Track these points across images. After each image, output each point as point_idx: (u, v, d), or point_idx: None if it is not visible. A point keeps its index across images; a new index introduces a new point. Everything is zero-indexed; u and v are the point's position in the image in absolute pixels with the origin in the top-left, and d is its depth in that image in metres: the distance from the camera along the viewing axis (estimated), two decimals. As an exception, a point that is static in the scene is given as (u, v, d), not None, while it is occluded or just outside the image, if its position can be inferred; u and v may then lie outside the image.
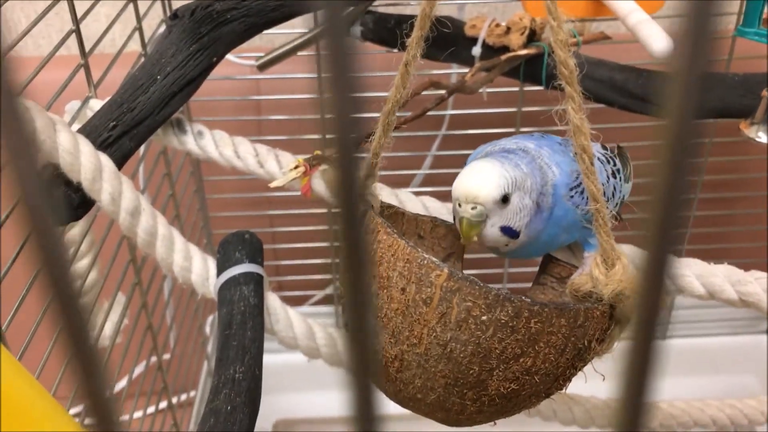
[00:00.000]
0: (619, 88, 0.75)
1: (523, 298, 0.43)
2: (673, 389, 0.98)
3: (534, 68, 0.76)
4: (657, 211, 0.16)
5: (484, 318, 0.43)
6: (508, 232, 0.49)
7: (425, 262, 0.44)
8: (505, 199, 0.48)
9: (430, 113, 0.69)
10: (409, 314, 0.44)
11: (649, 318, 0.17)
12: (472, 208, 0.48)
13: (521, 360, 0.44)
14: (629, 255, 0.50)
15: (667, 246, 0.16)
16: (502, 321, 0.43)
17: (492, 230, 0.49)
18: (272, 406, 0.94)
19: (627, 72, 0.75)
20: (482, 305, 0.43)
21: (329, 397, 0.97)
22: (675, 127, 0.15)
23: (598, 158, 0.53)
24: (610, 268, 0.47)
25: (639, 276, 0.17)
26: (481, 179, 0.48)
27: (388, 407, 0.49)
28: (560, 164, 0.51)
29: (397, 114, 0.51)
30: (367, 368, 0.17)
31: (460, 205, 0.49)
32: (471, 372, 0.44)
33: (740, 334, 1.02)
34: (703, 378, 1.01)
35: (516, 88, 0.84)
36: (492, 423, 0.49)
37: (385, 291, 0.45)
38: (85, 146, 0.55)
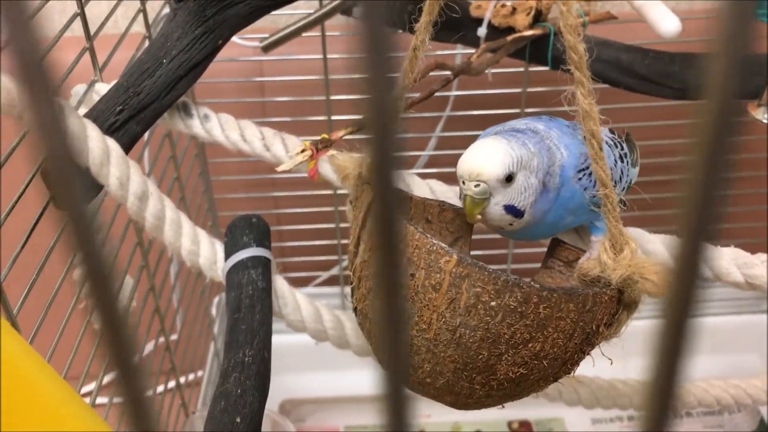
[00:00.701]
0: (625, 68, 0.75)
1: (532, 283, 0.44)
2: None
3: (540, 49, 0.75)
4: (696, 192, 0.16)
5: (493, 303, 0.43)
6: (513, 211, 0.49)
7: (434, 248, 0.44)
8: (509, 178, 0.48)
9: (434, 94, 0.69)
10: (418, 300, 0.45)
11: (685, 303, 0.17)
12: (476, 186, 0.48)
13: (530, 345, 0.44)
14: (637, 239, 0.50)
15: (706, 226, 0.16)
16: (511, 306, 0.43)
17: (496, 208, 0.49)
18: (279, 387, 0.95)
19: (633, 52, 0.74)
20: (491, 291, 0.43)
21: (336, 377, 0.97)
22: (716, 107, 0.15)
23: (606, 142, 0.53)
24: (618, 253, 0.47)
25: (675, 257, 0.16)
26: (486, 157, 0.48)
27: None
28: (569, 146, 0.51)
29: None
30: (401, 373, 0.17)
31: (464, 183, 0.49)
32: (480, 357, 0.45)
33: (743, 314, 1.03)
34: (705, 358, 1.01)
35: (521, 69, 0.84)
36: (500, 406, 0.50)
37: (394, 276, 0.45)
38: (93, 131, 0.55)
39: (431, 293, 0.44)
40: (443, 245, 0.44)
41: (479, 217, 0.49)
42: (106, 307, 0.17)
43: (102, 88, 0.64)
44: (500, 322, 0.44)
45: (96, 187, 0.57)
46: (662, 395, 0.18)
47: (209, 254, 0.60)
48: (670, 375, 0.18)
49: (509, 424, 0.98)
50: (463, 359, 0.45)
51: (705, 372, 0.97)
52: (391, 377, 0.17)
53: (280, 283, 0.62)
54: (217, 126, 0.65)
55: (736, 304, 1.03)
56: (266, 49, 0.78)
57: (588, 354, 0.49)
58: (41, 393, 0.36)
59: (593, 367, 0.51)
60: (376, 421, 0.99)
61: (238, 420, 0.49)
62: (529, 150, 0.49)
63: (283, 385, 0.97)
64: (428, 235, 0.45)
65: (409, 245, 0.45)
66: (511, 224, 0.50)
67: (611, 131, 0.56)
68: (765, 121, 0.63)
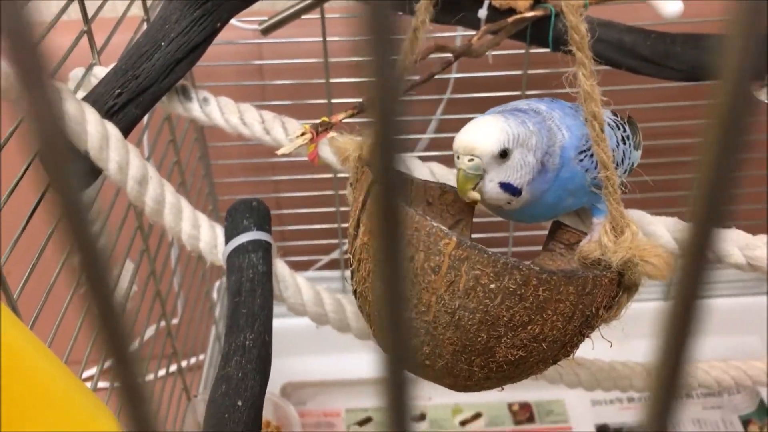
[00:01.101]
0: (627, 49, 0.74)
1: (532, 266, 0.44)
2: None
3: (541, 30, 0.75)
4: (708, 174, 0.16)
5: (492, 286, 0.43)
6: (509, 188, 0.49)
7: (433, 230, 0.44)
8: (504, 154, 0.48)
9: (434, 77, 0.69)
10: (417, 282, 0.45)
11: (695, 284, 0.17)
12: (469, 161, 0.48)
13: (529, 327, 0.44)
14: (638, 221, 0.50)
15: (718, 208, 0.16)
16: (511, 289, 0.43)
17: (491, 185, 0.49)
18: (280, 370, 0.95)
19: (635, 33, 0.74)
20: (491, 273, 0.43)
21: (337, 360, 0.98)
22: (731, 88, 0.15)
23: (608, 124, 0.53)
24: (619, 236, 0.47)
25: (686, 238, 0.16)
26: (481, 132, 0.48)
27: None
28: (571, 127, 0.51)
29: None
30: (402, 355, 0.17)
31: (458, 158, 0.49)
32: (479, 339, 0.45)
33: (743, 296, 1.03)
34: (706, 339, 1.01)
35: (521, 51, 0.83)
36: (500, 388, 0.50)
37: (394, 259, 0.45)
38: (92, 115, 0.55)
39: (430, 276, 0.44)
40: (442, 228, 0.44)
41: (475, 195, 0.49)
42: (100, 297, 0.17)
43: (100, 72, 0.63)
44: (499, 304, 0.44)
45: (95, 172, 0.57)
46: (669, 377, 0.18)
47: (209, 238, 0.60)
48: (678, 357, 0.18)
49: (509, 406, 0.99)
50: (462, 342, 0.45)
51: (705, 353, 0.97)
52: (392, 360, 0.17)
53: (280, 266, 0.62)
54: (216, 109, 0.64)
55: (737, 286, 1.03)
56: (265, 31, 0.77)
57: (587, 336, 0.49)
58: (43, 379, 0.36)
59: (593, 350, 0.51)
60: (377, 403, 0.99)
61: (240, 403, 0.50)
62: (528, 129, 0.49)
63: (284, 368, 0.97)
64: (427, 218, 0.44)
65: (409, 228, 0.45)
66: (509, 203, 0.50)
67: (614, 113, 0.56)
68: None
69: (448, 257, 0.44)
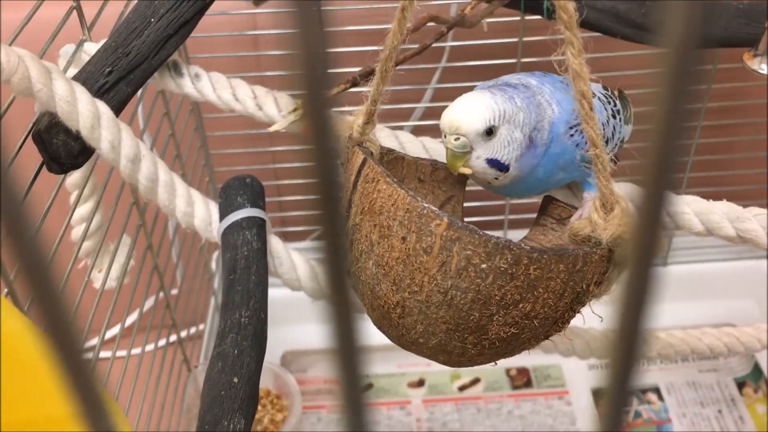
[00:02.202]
0: (621, 17, 0.73)
1: (522, 245, 0.44)
2: (674, 316, 0.99)
3: (535, -1, 0.74)
4: (656, 139, 0.16)
5: (483, 266, 0.44)
6: (496, 164, 0.49)
7: (425, 211, 0.44)
8: (490, 131, 0.48)
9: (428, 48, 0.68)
10: (410, 263, 0.45)
11: (647, 249, 0.17)
12: (456, 139, 0.49)
13: (520, 305, 0.45)
14: (627, 194, 0.50)
15: (667, 174, 0.16)
16: (502, 268, 0.44)
17: (478, 162, 0.49)
18: (280, 339, 0.96)
19: (630, 1, 0.73)
20: (482, 253, 0.43)
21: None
22: (676, 55, 0.15)
23: (599, 98, 0.53)
24: (608, 212, 0.47)
25: (638, 207, 0.17)
26: (465, 110, 0.49)
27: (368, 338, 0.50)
28: (561, 102, 0.51)
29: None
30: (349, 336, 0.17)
31: (445, 136, 0.49)
32: (471, 318, 0.45)
33: (741, 259, 1.03)
34: (703, 303, 1.02)
35: (517, 18, 0.83)
36: (493, 363, 0.51)
37: (386, 240, 0.46)
38: (82, 94, 0.55)
39: (423, 256, 0.44)
40: (434, 209, 0.44)
41: (466, 170, 0.49)
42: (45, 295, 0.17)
43: (91, 48, 0.63)
44: (491, 283, 0.44)
45: (88, 151, 0.57)
46: (628, 343, 0.18)
47: (204, 215, 0.61)
48: (635, 324, 0.18)
49: (507, 371, 1.00)
50: (455, 320, 0.46)
51: (703, 318, 0.98)
52: (339, 326, 0.17)
53: (275, 242, 0.62)
54: (208, 85, 0.64)
55: (733, 250, 1.03)
56: (257, 2, 0.77)
57: (578, 312, 0.49)
58: (41, 366, 0.37)
59: (584, 324, 0.52)
60: (376, 370, 1.00)
61: (236, 380, 0.50)
62: (515, 104, 0.49)
63: (284, 337, 0.98)
64: (419, 199, 0.45)
65: (401, 209, 0.45)
66: (496, 178, 0.50)
67: (604, 87, 0.55)
68: (760, 71, 0.62)
69: (440, 238, 0.44)
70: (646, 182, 0.16)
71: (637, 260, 0.17)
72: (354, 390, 0.18)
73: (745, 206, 0.56)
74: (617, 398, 0.18)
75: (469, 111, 0.48)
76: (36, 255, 0.16)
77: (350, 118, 0.51)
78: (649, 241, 0.17)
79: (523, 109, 0.49)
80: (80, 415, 0.18)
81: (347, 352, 0.18)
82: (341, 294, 0.17)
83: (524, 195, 0.56)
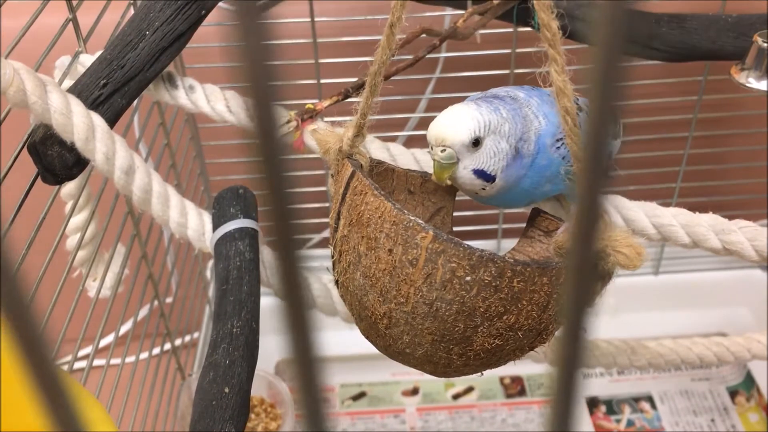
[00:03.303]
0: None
1: (506, 258, 0.44)
2: (666, 325, 1.00)
3: (526, 11, 0.75)
4: (586, 140, 0.16)
5: (468, 278, 0.44)
6: (483, 175, 0.50)
7: (411, 224, 0.45)
8: (476, 143, 0.49)
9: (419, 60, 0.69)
10: (396, 274, 0.46)
11: (584, 253, 0.17)
12: (442, 151, 0.50)
13: (505, 317, 0.46)
14: (616, 206, 0.51)
15: (598, 177, 0.17)
16: (486, 281, 0.44)
17: (464, 173, 0.50)
18: (274, 347, 0.97)
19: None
20: (466, 266, 0.44)
21: (330, 337, 0.98)
22: (602, 59, 0.15)
23: (585, 112, 0.53)
24: (593, 226, 0.48)
25: (575, 212, 0.17)
26: (451, 122, 0.50)
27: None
28: (548, 115, 0.52)
29: (391, 59, 0.51)
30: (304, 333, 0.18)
31: (432, 148, 0.50)
32: (456, 329, 0.46)
33: (732, 269, 1.04)
34: (695, 312, 1.03)
35: (510, 29, 0.83)
36: (479, 374, 0.51)
37: (373, 252, 0.46)
38: (77, 106, 0.56)
39: (408, 268, 0.45)
40: (419, 221, 0.45)
41: (449, 182, 0.51)
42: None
43: (87, 60, 0.64)
44: (475, 296, 0.45)
45: (82, 162, 0.58)
46: (569, 344, 0.19)
47: (197, 226, 0.61)
48: (573, 325, 0.18)
49: (501, 379, 1.00)
50: (440, 331, 0.46)
51: (696, 327, 0.99)
52: (295, 340, 0.18)
53: (267, 253, 0.63)
54: (202, 97, 0.65)
55: (725, 259, 1.04)
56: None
57: (563, 324, 0.50)
58: (16, 386, 0.37)
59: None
60: (370, 378, 1.01)
61: (227, 390, 0.51)
62: (501, 115, 0.50)
63: (278, 346, 0.98)
64: (405, 211, 0.45)
65: (387, 221, 0.46)
66: (483, 188, 0.51)
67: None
68: (748, 85, 0.63)
69: (425, 250, 0.44)
70: (581, 184, 0.17)
71: (575, 263, 0.18)
72: (313, 399, 0.18)
73: (735, 217, 0.56)
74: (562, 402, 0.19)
75: (455, 123, 0.49)
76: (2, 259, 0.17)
77: (340, 131, 0.52)
78: (586, 243, 0.17)
79: (509, 119, 0.50)
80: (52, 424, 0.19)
81: (304, 360, 0.18)
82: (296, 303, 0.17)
83: (512, 206, 0.57)
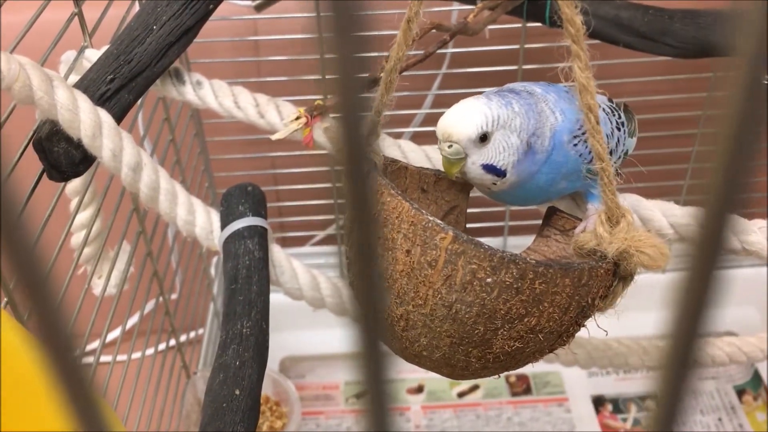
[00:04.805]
0: (624, 26, 0.73)
1: (528, 259, 0.44)
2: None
3: (537, 6, 0.74)
4: (723, 162, 0.15)
5: (489, 280, 0.43)
6: (492, 170, 0.49)
7: (430, 224, 0.44)
8: (484, 137, 0.48)
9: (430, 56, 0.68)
10: (414, 276, 0.45)
11: (708, 273, 0.16)
12: (449, 146, 0.49)
13: (525, 320, 0.45)
14: (634, 206, 0.50)
15: (733, 196, 0.16)
16: (507, 283, 0.43)
17: (473, 167, 0.49)
18: (279, 345, 0.96)
19: (632, 9, 0.73)
20: (487, 267, 0.43)
21: (335, 334, 0.98)
22: (746, 75, 0.14)
23: (603, 109, 0.52)
24: (614, 226, 0.47)
25: (698, 225, 0.16)
26: (458, 118, 0.49)
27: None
28: (565, 111, 0.51)
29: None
30: (376, 339, 0.17)
31: (440, 143, 0.49)
32: (476, 332, 0.45)
33: (741, 267, 1.03)
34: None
35: (518, 24, 0.82)
36: (496, 376, 0.50)
37: (390, 253, 0.45)
38: (84, 102, 0.55)
39: (427, 270, 0.44)
40: (439, 222, 0.44)
41: (459, 175, 0.50)
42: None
43: (92, 55, 0.63)
44: (496, 298, 0.44)
45: (89, 159, 0.57)
46: (684, 349, 0.17)
47: (205, 224, 0.60)
48: (692, 329, 0.17)
49: (507, 377, 1.00)
50: (459, 334, 0.45)
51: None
52: (365, 331, 0.17)
53: (277, 251, 0.62)
54: (210, 93, 0.64)
55: (736, 258, 1.03)
56: (259, 8, 0.76)
57: (583, 326, 0.49)
58: (39, 388, 0.36)
59: (588, 335, 0.51)
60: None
61: (237, 392, 0.50)
62: (513, 109, 0.49)
63: (283, 343, 0.98)
64: (423, 212, 0.44)
65: (405, 222, 0.45)
66: (495, 183, 0.50)
67: (609, 99, 0.55)
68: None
69: (445, 251, 0.44)
70: (710, 204, 0.16)
71: (697, 285, 0.17)
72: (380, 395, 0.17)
73: (752, 215, 0.55)
74: (671, 402, 0.18)
75: (461, 118, 0.48)
76: (34, 265, 0.16)
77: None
78: (711, 264, 0.16)
79: (521, 114, 0.49)
80: (77, 426, 0.18)
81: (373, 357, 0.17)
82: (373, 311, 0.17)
83: (527, 203, 0.56)
